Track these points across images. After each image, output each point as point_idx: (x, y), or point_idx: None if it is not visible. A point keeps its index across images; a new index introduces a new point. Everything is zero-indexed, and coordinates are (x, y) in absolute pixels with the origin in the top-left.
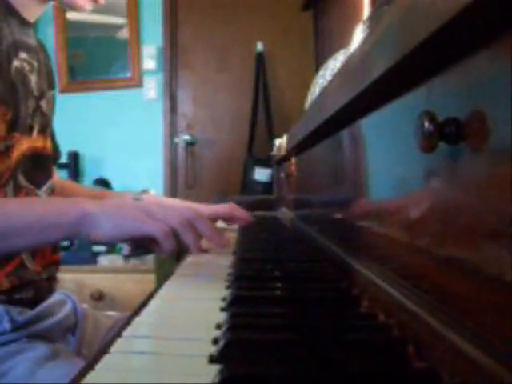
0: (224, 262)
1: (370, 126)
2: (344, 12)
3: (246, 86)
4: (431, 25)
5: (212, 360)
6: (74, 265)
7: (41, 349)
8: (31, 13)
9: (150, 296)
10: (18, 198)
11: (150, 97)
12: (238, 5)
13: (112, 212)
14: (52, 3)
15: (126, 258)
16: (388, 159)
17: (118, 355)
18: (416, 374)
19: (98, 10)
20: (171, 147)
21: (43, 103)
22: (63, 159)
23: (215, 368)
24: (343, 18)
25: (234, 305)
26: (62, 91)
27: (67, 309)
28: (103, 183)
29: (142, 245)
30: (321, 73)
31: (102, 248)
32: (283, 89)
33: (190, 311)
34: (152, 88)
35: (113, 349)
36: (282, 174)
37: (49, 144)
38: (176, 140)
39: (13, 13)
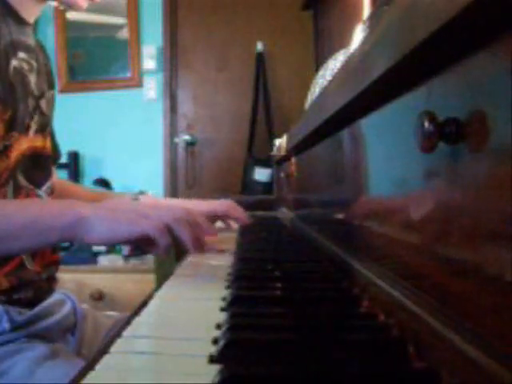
0: (224, 262)
1: (370, 126)
2: (344, 12)
3: (245, 86)
4: (431, 25)
5: (212, 360)
6: (73, 265)
7: (40, 348)
8: (30, 12)
9: (150, 296)
10: (14, 201)
11: (149, 97)
12: (238, 5)
13: (106, 215)
14: (50, 3)
15: (126, 257)
16: (388, 159)
17: (117, 355)
18: (416, 374)
19: (98, 9)
20: (171, 147)
21: (43, 103)
22: (63, 159)
23: (215, 368)
24: (343, 18)
25: (233, 305)
26: (62, 91)
27: (67, 309)
28: (103, 183)
29: (139, 246)
30: (321, 73)
31: (101, 248)
32: (283, 89)
33: (189, 311)
34: (152, 88)
35: (113, 349)
36: (282, 174)
37: (48, 144)
38: (176, 140)
39: (11, 12)
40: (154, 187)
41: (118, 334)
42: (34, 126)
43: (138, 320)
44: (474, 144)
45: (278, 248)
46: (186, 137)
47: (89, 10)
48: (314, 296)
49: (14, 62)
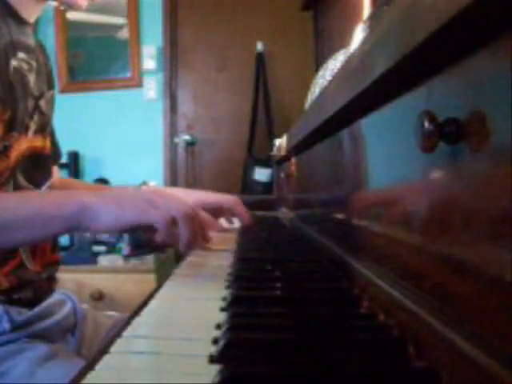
0: (224, 262)
1: (370, 125)
2: (344, 12)
3: (245, 86)
4: (431, 25)
5: (212, 360)
6: (73, 265)
7: (40, 348)
8: (30, 13)
9: (150, 296)
10: (17, 193)
11: (150, 97)
12: (238, 5)
13: (110, 202)
14: (50, 3)
15: (126, 257)
16: (388, 159)
17: (117, 355)
18: (416, 374)
19: (98, 9)
20: (171, 147)
21: (42, 103)
22: (63, 159)
23: (215, 368)
24: (343, 18)
25: (233, 305)
26: (62, 91)
27: (67, 309)
28: (103, 183)
29: (142, 244)
30: (321, 73)
31: (101, 248)
32: (283, 89)
33: (189, 311)
34: (152, 88)
35: (113, 349)
36: (282, 174)
37: (48, 144)
38: (176, 140)
39: (11, 12)
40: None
41: (118, 334)
42: (33, 126)
43: (137, 320)
44: (474, 144)
45: (277, 248)
46: (186, 137)
47: (89, 9)
48: (314, 296)
49: (13, 62)
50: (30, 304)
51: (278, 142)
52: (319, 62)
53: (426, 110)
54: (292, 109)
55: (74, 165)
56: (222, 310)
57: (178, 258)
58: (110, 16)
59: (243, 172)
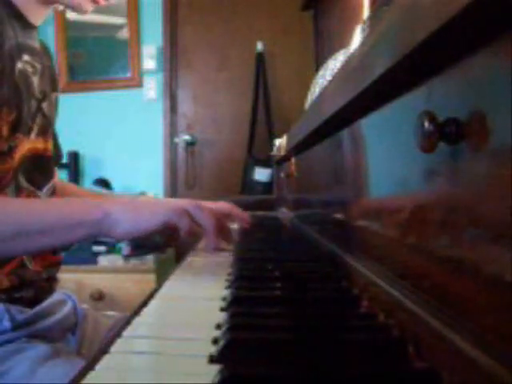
0: (224, 262)
1: (370, 126)
2: (344, 12)
3: (245, 86)
4: (431, 25)
5: (212, 360)
6: (73, 265)
7: (41, 348)
8: (36, 16)
9: (150, 296)
10: (40, 199)
11: (149, 97)
12: (238, 5)
13: (128, 210)
14: (58, 7)
15: (126, 257)
16: (388, 159)
17: (117, 355)
18: (416, 374)
19: (98, 9)
20: (171, 147)
21: (45, 105)
22: (63, 159)
23: (215, 368)
24: (343, 18)
25: (233, 305)
26: (62, 91)
27: (67, 308)
28: (103, 183)
29: (142, 244)
30: (321, 73)
31: (101, 248)
32: (283, 89)
33: (189, 311)
34: (152, 88)
35: (113, 349)
36: (282, 174)
37: (50, 146)
38: (176, 140)
39: (17, 16)
40: (154, 187)
41: (118, 334)
42: (36, 128)
43: (137, 320)
44: (474, 144)
45: (277, 248)
46: (186, 137)
47: None
48: (314, 296)
49: (18, 65)
50: (31, 303)
51: (277, 141)
52: (319, 62)
53: (426, 110)
54: (292, 109)
55: (74, 165)
56: (222, 310)
57: (178, 257)
58: (110, 16)
59: (243, 172)
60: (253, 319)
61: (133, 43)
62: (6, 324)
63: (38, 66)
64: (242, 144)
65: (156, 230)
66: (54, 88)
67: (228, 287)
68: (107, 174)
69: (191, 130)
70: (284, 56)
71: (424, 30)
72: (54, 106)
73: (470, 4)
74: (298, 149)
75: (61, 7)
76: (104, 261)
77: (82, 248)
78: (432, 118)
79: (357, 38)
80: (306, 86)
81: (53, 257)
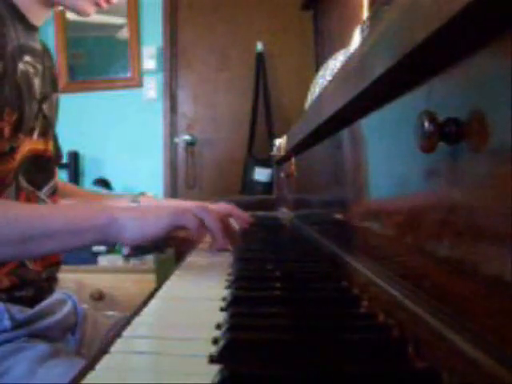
0: (224, 262)
1: (370, 126)
2: (344, 12)
3: (245, 86)
4: (431, 25)
5: (212, 360)
6: (73, 265)
7: (41, 348)
8: (37, 17)
9: (150, 296)
10: (46, 204)
11: (149, 97)
12: (238, 4)
13: (135, 215)
14: (59, 8)
15: (126, 257)
16: (388, 159)
17: (117, 355)
18: (416, 374)
19: (98, 10)
20: (171, 147)
21: (45, 106)
22: (63, 159)
23: (215, 368)
24: (343, 18)
25: (233, 305)
26: (62, 91)
27: (67, 308)
28: (103, 183)
29: (141, 244)
30: (321, 73)
31: (101, 248)
32: (283, 89)
33: (189, 311)
34: (152, 88)
35: (113, 349)
36: (282, 174)
37: (50, 146)
38: (176, 140)
39: (19, 17)
40: (154, 187)
41: (118, 334)
42: (37, 129)
43: (137, 320)
44: (474, 144)
45: (277, 248)
46: (186, 137)
47: None
48: (314, 296)
49: (20, 66)
50: (31, 302)
51: (278, 142)
52: (319, 62)
53: (426, 110)
54: (292, 109)
55: (74, 165)
56: (222, 310)
57: (178, 257)
58: (110, 16)
59: (243, 172)
60: (253, 319)
61: (133, 43)
62: (6, 323)
63: (40, 67)
64: (241, 144)
65: (163, 233)
66: (55, 89)
67: (228, 287)
68: (107, 174)
69: (191, 130)
70: (284, 56)
71: (424, 29)
72: (55, 106)
73: (469, 4)
74: (298, 149)
75: (60, 7)
76: (104, 261)
77: (82, 248)
78: (432, 118)
79: (357, 38)
80: (306, 86)
81: (53, 257)
